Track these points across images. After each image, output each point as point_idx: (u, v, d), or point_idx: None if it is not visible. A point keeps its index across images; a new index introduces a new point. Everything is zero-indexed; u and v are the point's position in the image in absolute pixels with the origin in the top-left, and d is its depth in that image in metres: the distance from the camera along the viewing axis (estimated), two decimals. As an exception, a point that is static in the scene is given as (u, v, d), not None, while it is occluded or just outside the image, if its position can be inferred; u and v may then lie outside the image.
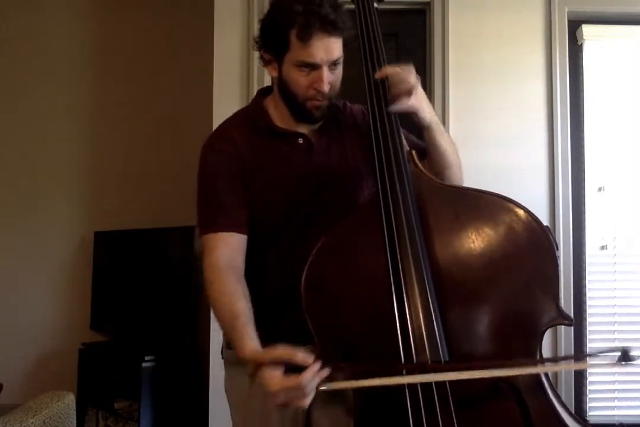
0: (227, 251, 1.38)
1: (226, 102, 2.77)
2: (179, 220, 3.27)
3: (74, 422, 1.87)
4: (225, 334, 1.28)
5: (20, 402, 1.83)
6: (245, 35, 2.82)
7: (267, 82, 2.79)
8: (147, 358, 3.01)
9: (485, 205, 1.28)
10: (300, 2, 1.33)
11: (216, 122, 2.68)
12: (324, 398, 1.42)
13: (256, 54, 2.91)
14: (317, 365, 1.10)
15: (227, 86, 2.82)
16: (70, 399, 1.86)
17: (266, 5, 2.80)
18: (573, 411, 1.23)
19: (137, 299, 3.35)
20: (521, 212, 1.26)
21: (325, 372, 1.11)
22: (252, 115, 1.51)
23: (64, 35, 3.69)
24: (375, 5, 1.48)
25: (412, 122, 1.41)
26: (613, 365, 1.15)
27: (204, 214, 1.44)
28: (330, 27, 1.32)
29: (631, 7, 2.88)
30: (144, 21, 3.66)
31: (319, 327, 1.24)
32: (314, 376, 1.10)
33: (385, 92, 1.37)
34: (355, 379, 1.17)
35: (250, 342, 1.21)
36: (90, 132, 3.67)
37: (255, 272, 1.47)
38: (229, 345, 1.52)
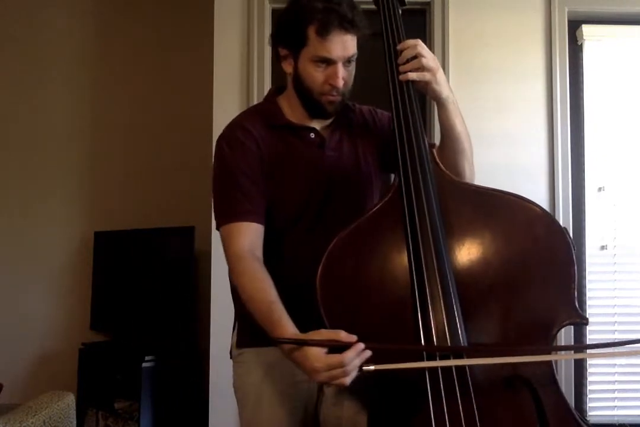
0: (250, 240, 1.40)
1: (226, 103, 2.78)
2: (179, 220, 3.27)
3: (74, 422, 1.87)
4: (260, 319, 1.29)
5: (20, 402, 1.83)
6: (245, 37, 2.82)
7: (267, 83, 2.79)
8: (147, 358, 3.01)
9: (505, 204, 1.31)
10: (320, 0, 1.38)
11: (216, 123, 2.70)
12: (334, 396, 1.43)
13: (256, 55, 2.94)
14: (361, 345, 1.13)
15: (227, 87, 2.82)
16: (70, 399, 1.85)
17: (266, 7, 2.82)
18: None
19: (137, 299, 3.35)
20: (540, 212, 1.30)
21: (368, 353, 1.14)
22: (265, 111, 1.54)
23: (64, 36, 3.68)
24: (399, 10, 1.49)
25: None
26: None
27: (223, 204, 1.45)
28: (348, 25, 1.38)
29: (631, 7, 2.88)
30: (144, 22, 3.66)
31: (335, 321, 1.24)
32: (356, 355, 1.13)
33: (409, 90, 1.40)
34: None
35: (291, 324, 1.24)
36: (90, 132, 3.67)
37: (268, 266, 1.48)
38: (239, 344, 1.53)
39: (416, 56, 1.37)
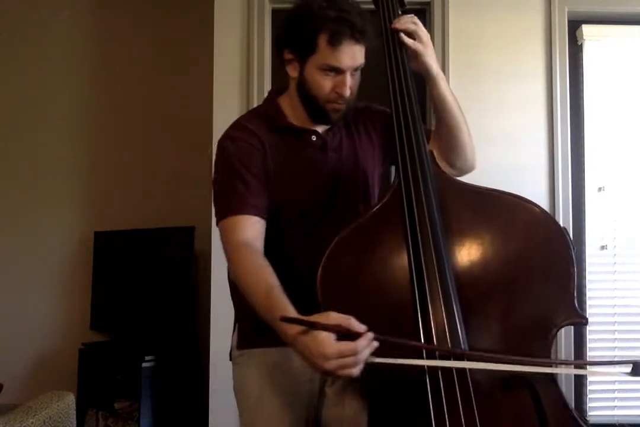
0: (250, 232, 1.39)
1: (226, 104, 2.78)
2: (179, 220, 3.27)
3: (74, 422, 1.87)
4: (259, 307, 1.25)
5: (20, 402, 1.83)
6: (245, 37, 2.82)
7: (267, 83, 2.79)
8: (147, 358, 3.01)
9: (504, 205, 1.32)
10: (332, 8, 1.38)
11: (216, 123, 2.70)
12: (335, 397, 1.43)
13: (256, 55, 2.93)
14: (371, 335, 1.10)
15: (227, 87, 2.82)
16: (70, 399, 1.86)
17: (266, 7, 2.82)
18: (573, 411, 1.25)
19: (137, 299, 3.35)
20: (539, 212, 1.30)
21: (376, 344, 1.10)
22: (268, 113, 1.53)
23: (64, 35, 3.68)
24: (399, 11, 1.51)
25: (421, 76, 1.47)
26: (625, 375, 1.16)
27: (225, 198, 1.44)
28: (358, 35, 1.39)
29: (631, 7, 2.88)
30: (144, 22, 3.66)
31: None
32: (367, 344, 1.09)
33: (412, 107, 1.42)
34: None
35: (292, 309, 1.19)
36: (91, 132, 3.67)
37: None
38: (239, 345, 1.53)
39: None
